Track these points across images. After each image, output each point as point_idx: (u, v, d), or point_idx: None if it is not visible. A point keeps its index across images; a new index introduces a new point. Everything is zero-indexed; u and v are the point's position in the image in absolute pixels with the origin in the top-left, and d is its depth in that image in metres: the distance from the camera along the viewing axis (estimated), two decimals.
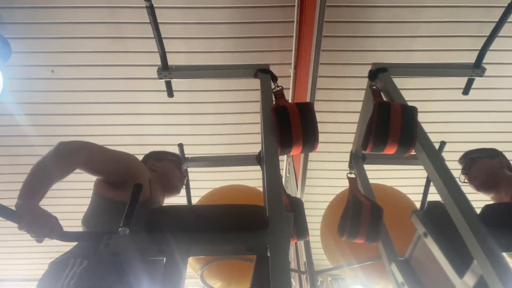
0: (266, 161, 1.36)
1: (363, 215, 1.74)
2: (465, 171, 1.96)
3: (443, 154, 2.12)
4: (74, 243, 1.39)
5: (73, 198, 3.64)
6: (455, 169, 1.92)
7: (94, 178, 1.53)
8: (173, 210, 1.19)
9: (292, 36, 2.74)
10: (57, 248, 1.38)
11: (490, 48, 2.00)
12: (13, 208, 1.18)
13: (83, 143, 1.41)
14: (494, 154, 1.96)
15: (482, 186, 1.89)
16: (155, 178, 1.70)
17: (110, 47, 2.78)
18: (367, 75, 1.86)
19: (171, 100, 2.21)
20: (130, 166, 1.52)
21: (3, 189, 3.70)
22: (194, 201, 2.52)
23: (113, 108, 3.14)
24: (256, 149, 2.06)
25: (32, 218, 1.14)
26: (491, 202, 1.79)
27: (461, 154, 2.05)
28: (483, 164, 1.91)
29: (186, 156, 2.31)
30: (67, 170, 1.32)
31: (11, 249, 4.38)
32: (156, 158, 1.82)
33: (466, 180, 1.98)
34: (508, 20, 1.91)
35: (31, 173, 1.24)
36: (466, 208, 1.19)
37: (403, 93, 1.67)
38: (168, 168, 1.79)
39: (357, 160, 2.14)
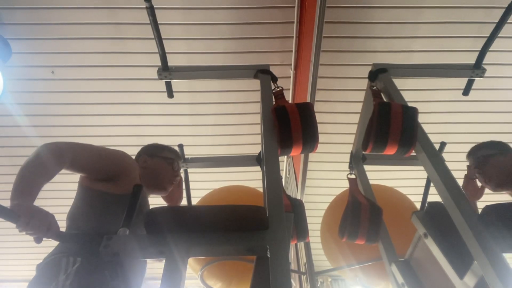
0: (266, 161, 1.36)
1: (362, 216, 1.74)
2: (479, 170, 1.86)
3: (443, 154, 2.12)
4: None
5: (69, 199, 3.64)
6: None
7: None
8: (173, 211, 1.19)
9: (292, 37, 2.74)
10: None
11: (490, 49, 2.00)
12: None
13: (67, 144, 1.40)
14: (505, 150, 1.86)
15: (500, 186, 1.81)
16: (144, 175, 1.68)
17: (110, 48, 2.78)
18: (367, 75, 1.86)
19: (171, 100, 2.21)
20: (115, 163, 1.51)
21: (3, 189, 3.70)
22: (194, 201, 2.52)
23: (113, 108, 3.14)
24: (256, 150, 2.06)
25: (29, 216, 1.13)
26: (491, 203, 1.79)
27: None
28: (498, 163, 1.81)
29: (186, 157, 2.31)
30: (53, 172, 1.31)
31: (11, 250, 4.38)
32: (149, 154, 1.77)
33: (478, 179, 1.90)
34: (508, 21, 1.91)
35: (20, 177, 1.23)
36: (466, 209, 1.19)
37: (403, 93, 1.68)
38: (159, 167, 1.74)
39: (357, 160, 2.14)
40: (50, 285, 1.20)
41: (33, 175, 1.25)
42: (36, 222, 1.14)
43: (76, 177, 1.50)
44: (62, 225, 1.22)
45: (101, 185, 1.47)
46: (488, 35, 1.99)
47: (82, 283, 1.19)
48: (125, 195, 1.40)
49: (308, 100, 2.45)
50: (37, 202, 1.21)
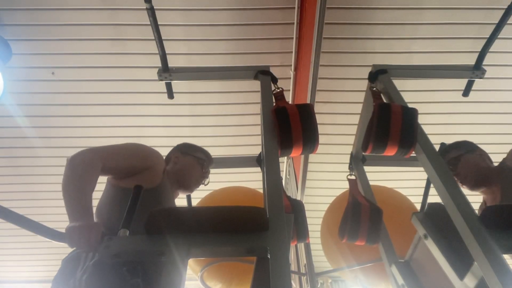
0: (266, 162, 1.36)
1: (362, 217, 1.74)
2: (454, 172, 1.87)
3: None
4: None
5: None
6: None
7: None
8: (173, 212, 1.19)
9: (292, 38, 2.75)
10: (58, 250, 1.37)
11: (490, 49, 2.00)
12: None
13: (95, 153, 1.40)
14: (471, 148, 1.90)
15: (476, 185, 1.82)
16: (173, 171, 1.71)
17: (111, 49, 2.78)
18: (367, 77, 1.86)
19: (171, 101, 2.21)
20: (142, 160, 1.53)
21: (4, 190, 3.70)
22: (194, 202, 2.52)
23: (113, 109, 3.14)
24: (257, 150, 2.06)
25: (71, 237, 1.16)
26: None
27: None
28: (467, 161, 1.85)
29: None
30: (93, 184, 1.33)
31: (11, 251, 4.38)
32: (182, 151, 1.81)
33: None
34: (508, 22, 1.91)
35: (66, 200, 1.26)
36: (466, 210, 1.19)
37: (403, 94, 1.68)
38: (189, 165, 1.77)
39: (357, 161, 2.14)
40: (70, 280, 1.21)
41: (76, 195, 1.26)
42: (77, 240, 1.16)
43: None
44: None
45: (127, 182, 1.47)
46: (488, 36, 1.99)
47: (97, 279, 1.20)
48: (150, 189, 1.46)
49: (308, 101, 2.45)
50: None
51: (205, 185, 1.88)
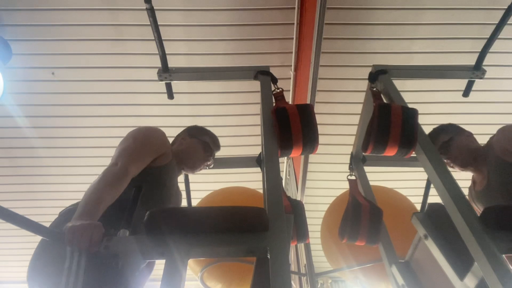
0: (266, 163, 1.36)
1: (363, 217, 1.73)
2: (445, 155, 1.92)
3: None
4: None
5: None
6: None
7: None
8: (173, 212, 1.19)
9: (292, 38, 2.75)
10: None
11: (490, 50, 2.00)
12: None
13: (125, 163, 1.43)
14: (459, 130, 1.96)
15: (465, 165, 1.87)
16: (178, 151, 1.79)
17: (111, 49, 2.78)
18: (367, 77, 1.86)
19: (171, 102, 2.21)
20: (158, 147, 1.59)
21: (4, 191, 3.70)
22: (194, 203, 2.52)
23: (113, 110, 3.14)
24: (257, 151, 2.06)
25: (71, 235, 1.15)
26: (491, 204, 1.79)
27: None
28: (458, 143, 1.90)
29: None
30: (118, 193, 1.35)
31: (11, 251, 4.38)
32: (190, 133, 1.89)
33: (448, 165, 1.94)
34: (508, 22, 1.91)
35: (87, 199, 1.26)
36: (466, 210, 1.19)
37: (403, 95, 1.68)
38: (192, 147, 1.84)
39: (357, 162, 2.14)
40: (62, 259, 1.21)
41: (93, 203, 1.26)
42: (78, 238, 1.14)
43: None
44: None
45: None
46: (488, 37, 1.99)
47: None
48: (158, 167, 1.56)
49: (308, 102, 2.45)
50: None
51: (209, 168, 1.95)
